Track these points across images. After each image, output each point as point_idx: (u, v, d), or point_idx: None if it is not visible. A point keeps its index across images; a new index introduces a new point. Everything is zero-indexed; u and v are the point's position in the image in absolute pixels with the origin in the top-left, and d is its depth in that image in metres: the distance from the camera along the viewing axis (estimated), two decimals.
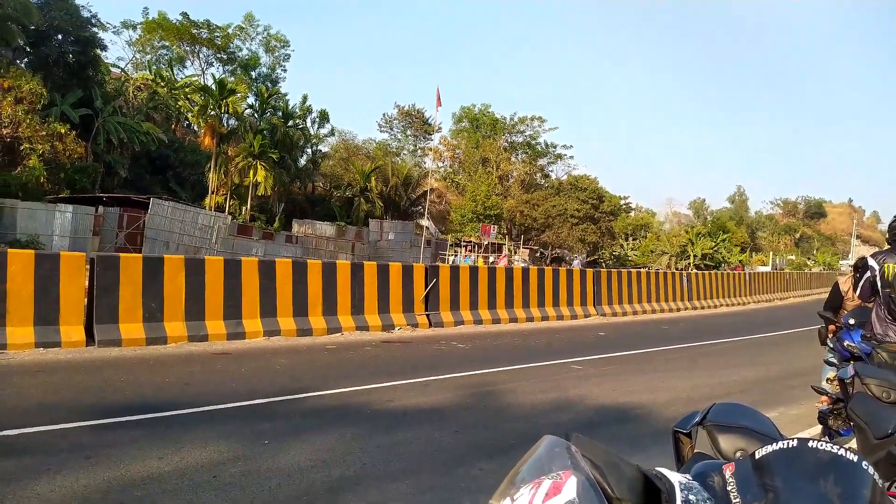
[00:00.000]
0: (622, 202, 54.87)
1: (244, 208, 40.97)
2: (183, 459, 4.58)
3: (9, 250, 8.50)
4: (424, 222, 43.91)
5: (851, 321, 5.12)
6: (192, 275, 9.33)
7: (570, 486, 1.17)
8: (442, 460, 4.91)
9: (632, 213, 64.01)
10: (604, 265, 50.57)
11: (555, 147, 59.55)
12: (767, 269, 53.45)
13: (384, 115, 72.96)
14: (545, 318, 14.45)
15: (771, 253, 69.53)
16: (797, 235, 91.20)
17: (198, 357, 8.33)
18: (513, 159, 57.93)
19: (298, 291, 10.41)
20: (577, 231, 48.03)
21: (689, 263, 54.18)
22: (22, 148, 26.99)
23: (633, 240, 62.06)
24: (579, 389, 7.63)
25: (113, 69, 42.82)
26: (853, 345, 4.90)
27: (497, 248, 44.97)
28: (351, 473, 4.53)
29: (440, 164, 61.93)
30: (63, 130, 28.61)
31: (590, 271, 16.70)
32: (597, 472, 1.31)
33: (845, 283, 6.12)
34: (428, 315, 12.19)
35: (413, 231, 43.53)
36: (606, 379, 8.41)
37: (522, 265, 27.55)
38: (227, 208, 38.79)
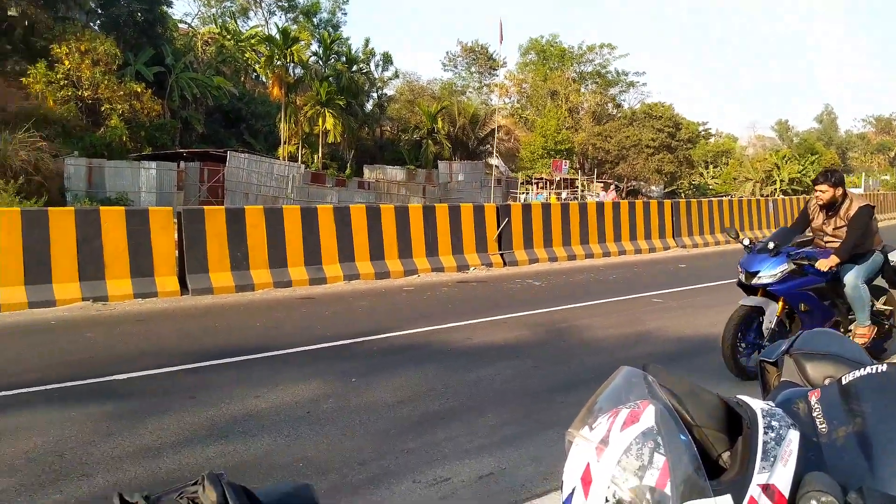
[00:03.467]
0: (700, 129, 52.43)
1: (316, 156, 41.66)
2: (278, 397, 4.87)
3: (101, 208, 9.02)
4: (493, 161, 43.49)
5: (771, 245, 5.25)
6: (272, 224, 9.66)
7: (649, 415, 1.19)
8: (521, 394, 5.01)
9: (711, 140, 61.23)
10: (683, 195, 48.93)
11: (626, 75, 57.09)
12: (860, 190, 50.42)
13: (447, 53, 71.66)
14: (622, 252, 14.23)
15: (863, 174, 65.31)
16: (892, 154, 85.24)
17: (283, 302, 8.71)
18: (582, 90, 56.04)
19: (374, 236, 10.62)
20: (652, 162, 46.40)
21: (776, 189, 51.69)
22: (103, 109, 28.16)
23: (714, 168, 59.56)
24: (659, 322, 7.55)
25: (181, 25, 43.66)
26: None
27: (569, 184, 44.13)
28: (435, 408, 4.70)
29: (507, 101, 60.66)
30: (139, 89, 29.61)
31: (668, 202, 16.23)
32: (675, 400, 1.32)
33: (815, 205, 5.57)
34: (502, 254, 12.23)
35: (483, 171, 43.21)
36: (687, 312, 8.28)
37: (601, 199, 27.05)
38: (299, 157, 39.57)
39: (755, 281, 5.22)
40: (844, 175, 5.79)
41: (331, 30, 49.84)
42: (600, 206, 14.55)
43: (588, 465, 1.17)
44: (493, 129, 42.57)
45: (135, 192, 25.49)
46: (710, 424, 1.34)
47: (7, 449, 3.88)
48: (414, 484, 3.56)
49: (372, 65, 49.82)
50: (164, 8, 36.11)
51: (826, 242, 5.51)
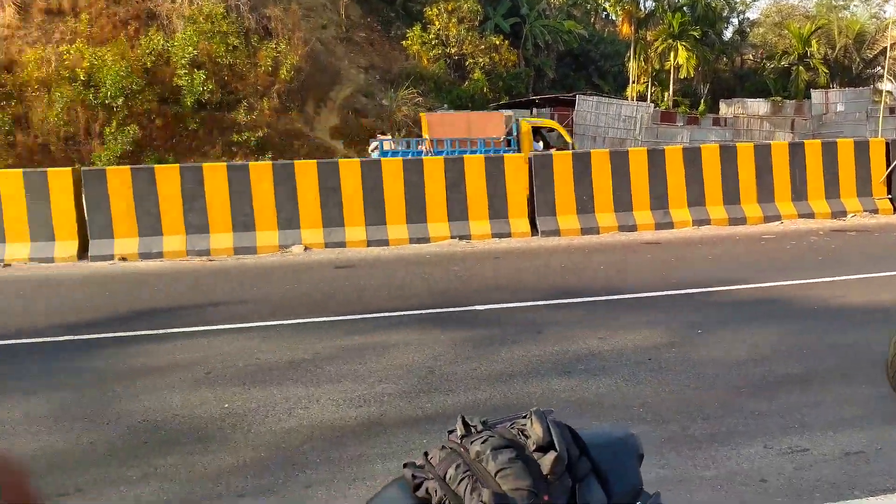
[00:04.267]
0: None
1: (666, 94, 39.77)
2: (619, 341, 4.90)
3: (464, 157, 10.02)
4: (885, 86, 36.19)
5: None
6: (618, 167, 9.60)
7: None
8: None
9: None
10: None
11: None
12: None
13: None
14: None
15: None
16: None
17: (628, 246, 8.67)
18: None
19: (728, 178, 9.80)
20: None
21: None
22: (467, 63, 30.86)
23: None
24: None
25: None
26: None
27: None
28: (796, 371, 4.23)
29: None
30: (497, 42, 31.62)
31: None
32: None
33: None
34: (892, 198, 10.24)
35: (869, 99, 36.31)
36: None
37: None
38: (648, 96, 38.27)
39: None
40: None
41: None
42: None
43: None
44: (886, 48, 35.26)
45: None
46: None
47: (393, 360, 4.66)
48: (765, 449, 3.28)
49: None
50: None
51: None
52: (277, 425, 3.70)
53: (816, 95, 37.88)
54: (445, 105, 28.32)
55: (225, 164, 10.01)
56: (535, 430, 1.24)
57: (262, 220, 8.82)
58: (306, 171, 9.03)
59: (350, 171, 9.16)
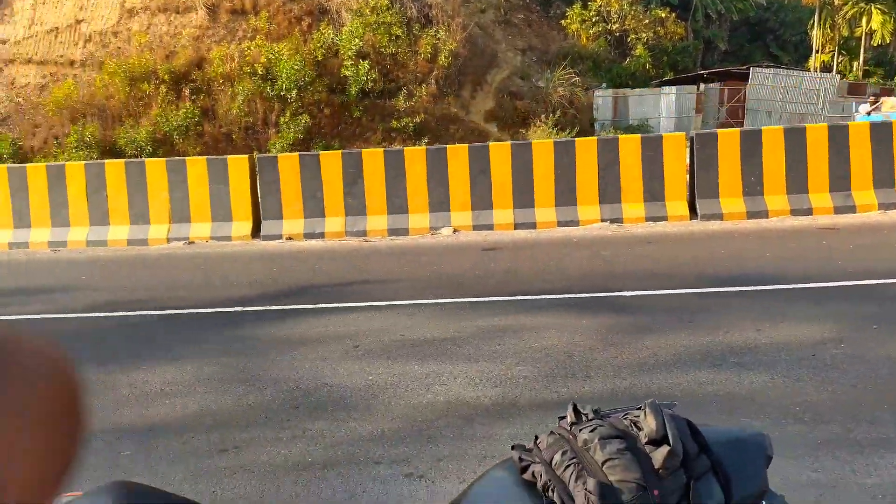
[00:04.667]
0: None
1: (855, 64, 35.64)
2: (780, 334, 4.52)
3: (620, 136, 9.67)
4: None
5: None
6: (792, 145, 8.77)
7: None
8: None
9: None
10: None
11: None
12: None
13: None
14: None
15: None
16: None
17: (801, 231, 7.92)
18: None
19: None
20: None
21: None
22: (629, 39, 29.62)
23: None
24: None
25: None
26: None
27: None
28: None
29: None
30: (664, 14, 30.01)
31: None
32: None
33: None
34: None
35: None
36: None
37: None
38: (834, 67, 34.50)
39: None
40: None
41: None
42: None
43: None
44: None
45: (655, 118, 26.40)
46: None
47: (532, 343, 4.64)
48: None
49: None
50: None
51: None
52: (415, 399, 3.84)
53: None
54: (604, 84, 27.45)
55: (382, 149, 10.46)
56: (649, 423, 1.21)
57: (414, 203, 9.13)
58: (457, 155, 9.20)
59: (500, 153, 9.20)
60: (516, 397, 3.81)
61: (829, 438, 3.13)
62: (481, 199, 9.10)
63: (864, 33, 34.42)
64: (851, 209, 8.57)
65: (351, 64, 20.47)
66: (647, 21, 29.33)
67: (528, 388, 3.91)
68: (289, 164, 9.33)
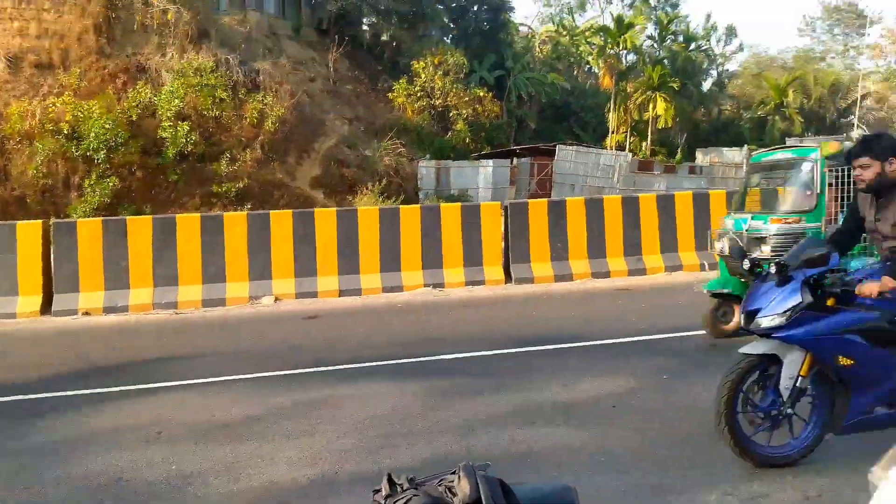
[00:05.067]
0: None
1: (644, 144, 40.58)
2: (585, 389, 4.83)
3: (441, 204, 10.06)
4: (856, 133, 37.14)
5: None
6: (592, 214, 9.66)
7: None
8: None
9: None
10: None
11: None
12: None
13: (804, 17, 63.50)
14: None
15: None
16: None
17: (600, 292, 8.65)
18: None
19: (700, 224, 9.87)
20: None
21: None
22: (451, 114, 31.38)
23: None
24: None
25: (521, 28, 46.44)
26: None
27: None
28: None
29: (880, 63, 51.25)
30: (482, 93, 32.24)
31: None
32: None
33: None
34: None
35: None
36: None
37: None
38: (626, 146, 38.99)
39: (754, 325, 3.32)
40: None
41: (668, 9, 47.94)
42: None
43: None
44: (858, 98, 36.35)
45: (474, 188, 27.93)
46: None
47: (355, 413, 4.54)
48: (724, 496, 3.20)
49: (713, 41, 46.78)
50: (507, 14, 38.89)
51: (886, 248, 3.47)
52: (226, 487, 3.56)
53: (791, 143, 38.72)
54: (428, 155, 28.65)
55: (199, 215, 9.98)
56: (462, 487, 1.24)
57: (233, 271, 8.75)
58: (280, 221, 9.02)
59: (325, 219, 9.16)
60: (336, 473, 3.67)
61: (631, 486, 3.35)
62: (305, 266, 8.94)
63: (650, 117, 39.43)
64: (642, 271, 9.56)
65: (169, 125, 19.57)
66: (467, 98, 31.31)
67: (350, 462, 3.79)
68: (89, 231, 8.56)
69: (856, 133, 37.73)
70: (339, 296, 8.82)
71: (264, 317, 7.99)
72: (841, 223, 3.95)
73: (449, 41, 36.89)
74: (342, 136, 25.81)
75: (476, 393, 4.85)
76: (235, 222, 8.95)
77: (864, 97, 35.43)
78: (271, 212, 9.39)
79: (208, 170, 20.19)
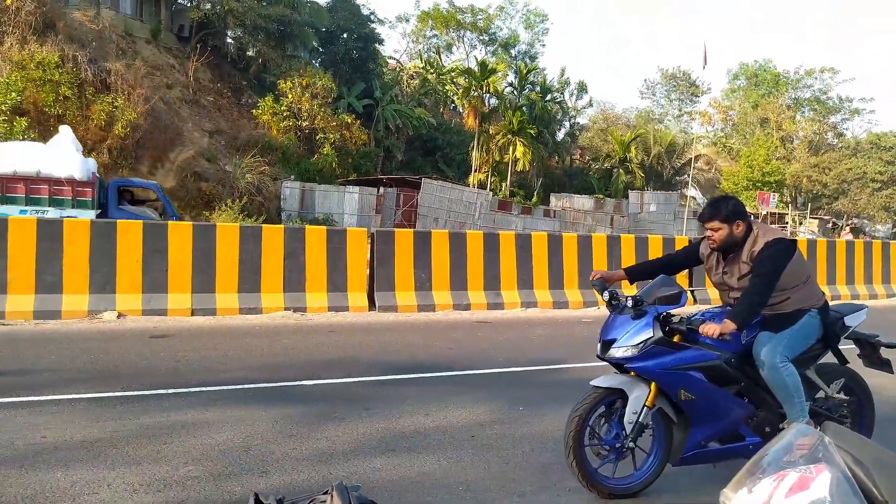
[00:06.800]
0: None
1: (504, 184, 42.43)
2: (446, 418, 4.90)
3: (307, 226, 9.85)
4: (690, 192, 41.24)
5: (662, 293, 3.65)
6: (456, 248, 9.90)
7: (822, 483, 0.98)
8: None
9: None
10: None
11: (850, 101, 51.50)
12: None
13: (645, 80, 69.91)
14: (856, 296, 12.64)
15: None
16: None
17: (461, 324, 8.85)
18: (797, 118, 51.42)
19: (554, 264, 10.46)
20: (879, 198, 41.19)
21: None
22: (318, 137, 31.04)
23: None
24: None
25: (390, 61, 47.10)
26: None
27: (777, 219, 40.48)
28: None
29: (709, 129, 57.51)
30: (350, 120, 32.23)
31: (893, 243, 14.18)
32: (859, 469, 1.07)
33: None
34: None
35: (677, 202, 41.14)
36: None
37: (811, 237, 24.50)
38: (488, 185, 40.55)
39: (609, 354, 3.61)
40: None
41: (528, 60, 50.86)
42: (850, 245, 13.06)
43: None
44: (691, 159, 40.41)
45: (339, 213, 27.70)
46: None
47: (204, 439, 4.29)
48: None
49: (566, 94, 50.06)
50: (377, 46, 39.31)
51: (732, 297, 3.87)
52: None
53: (633, 196, 42.32)
54: (293, 176, 28.06)
55: (35, 218, 9.05)
56: None
57: (71, 282, 8.01)
58: (129, 231, 8.40)
59: (180, 234, 8.65)
60: (183, 502, 3.43)
61: None
62: (155, 281, 8.37)
63: (510, 160, 41.36)
64: (500, 306, 9.91)
65: (4, 120, 17.74)
66: (334, 123, 31.14)
67: (197, 490, 3.57)
68: None
69: (690, 191, 41.88)
70: (192, 315, 8.33)
71: (106, 333, 7.35)
72: (676, 251, 4.25)
73: (318, 65, 36.65)
74: (201, 148, 24.70)
75: (337, 420, 4.76)
76: (77, 229, 8.21)
77: (696, 158, 39.45)
78: (119, 221, 8.70)
79: None
